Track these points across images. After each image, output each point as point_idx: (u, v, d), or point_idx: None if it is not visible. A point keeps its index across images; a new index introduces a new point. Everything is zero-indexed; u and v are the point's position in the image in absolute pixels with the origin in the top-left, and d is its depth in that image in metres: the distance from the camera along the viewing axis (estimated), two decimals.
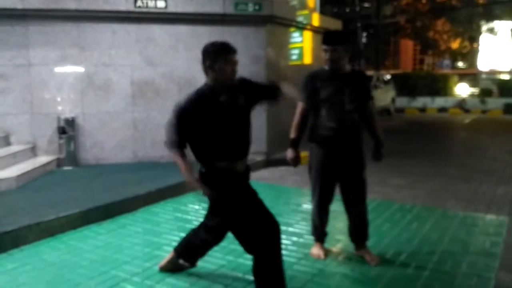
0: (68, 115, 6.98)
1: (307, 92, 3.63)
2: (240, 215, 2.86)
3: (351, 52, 3.68)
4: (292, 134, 3.71)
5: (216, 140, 2.84)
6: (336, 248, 3.99)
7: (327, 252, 3.84)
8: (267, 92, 3.07)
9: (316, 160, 3.68)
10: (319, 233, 3.85)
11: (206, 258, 3.65)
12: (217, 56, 2.83)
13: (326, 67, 3.62)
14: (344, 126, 3.56)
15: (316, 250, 3.83)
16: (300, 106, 3.71)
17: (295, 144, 3.71)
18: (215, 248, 3.37)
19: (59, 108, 7.03)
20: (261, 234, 2.80)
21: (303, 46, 8.88)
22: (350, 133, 3.60)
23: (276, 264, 2.81)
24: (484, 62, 39.44)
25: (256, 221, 2.84)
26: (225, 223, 3.00)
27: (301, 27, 9.03)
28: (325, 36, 3.60)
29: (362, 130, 3.69)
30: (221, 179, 2.89)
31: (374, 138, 3.74)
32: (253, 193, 2.98)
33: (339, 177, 3.70)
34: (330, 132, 3.58)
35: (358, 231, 3.79)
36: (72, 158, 6.96)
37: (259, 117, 7.67)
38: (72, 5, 6.83)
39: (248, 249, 2.86)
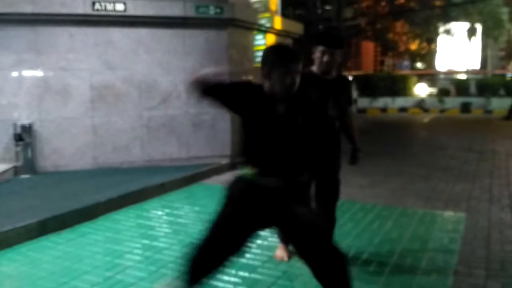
0: (25, 121, 6.76)
1: None
2: (220, 218, 2.61)
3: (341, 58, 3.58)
4: None
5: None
6: None
7: (290, 254, 3.86)
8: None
9: None
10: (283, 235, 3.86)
11: (170, 265, 3.61)
12: (276, 64, 2.49)
13: (315, 69, 3.48)
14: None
15: (280, 252, 3.85)
16: None
17: None
18: (176, 254, 3.33)
19: (15, 114, 6.80)
20: (211, 249, 2.61)
21: None
22: (331, 138, 3.53)
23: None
24: (442, 62, 40.65)
25: (220, 237, 2.60)
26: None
27: (264, 30, 9.07)
28: (323, 37, 3.44)
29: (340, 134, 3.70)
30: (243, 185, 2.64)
31: (352, 142, 3.77)
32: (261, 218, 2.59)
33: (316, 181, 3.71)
34: None
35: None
36: (29, 166, 6.74)
37: (223, 120, 7.65)
38: (28, 9, 6.63)
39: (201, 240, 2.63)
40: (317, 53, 3.39)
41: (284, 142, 2.52)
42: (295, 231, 2.57)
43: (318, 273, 2.60)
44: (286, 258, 3.79)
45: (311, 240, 2.55)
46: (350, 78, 19.70)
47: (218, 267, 2.66)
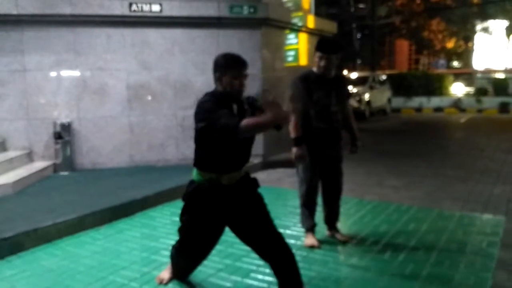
0: (64, 120, 6.96)
1: (303, 92, 3.88)
2: (192, 225, 3.01)
3: (339, 60, 4.04)
4: (296, 133, 3.86)
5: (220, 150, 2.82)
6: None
7: (319, 242, 4.08)
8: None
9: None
10: (309, 223, 4.12)
11: (204, 262, 3.65)
12: (226, 69, 2.80)
13: (315, 71, 3.92)
14: (332, 126, 3.95)
15: (309, 240, 4.06)
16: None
17: (300, 142, 3.86)
18: (213, 252, 3.37)
19: (55, 113, 7.02)
20: (194, 249, 3.14)
21: (298, 48, 8.92)
22: (335, 132, 4.00)
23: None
24: (479, 61, 39.52)
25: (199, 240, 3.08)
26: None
27: (296, 29, 9.05)
28: (321, 44, 3.88)
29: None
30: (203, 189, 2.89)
31: (351, 133, 4.16)
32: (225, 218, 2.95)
33: (322, 170, 4.04)
34: (319, 132, 3.91)
35: (335, 214, 4.17)
36: (68, 163, 6.94)
37: None
38: (67, 10, 6.82)
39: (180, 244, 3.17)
40: (316, 58, 3.88)
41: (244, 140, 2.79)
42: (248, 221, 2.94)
43: (264, 257, 2.95)
44: (317, 244, 4.01)
45: (258, 227, 2.95)
46: (384, 77, 19.50)
47: (200, 262, 3.27)
